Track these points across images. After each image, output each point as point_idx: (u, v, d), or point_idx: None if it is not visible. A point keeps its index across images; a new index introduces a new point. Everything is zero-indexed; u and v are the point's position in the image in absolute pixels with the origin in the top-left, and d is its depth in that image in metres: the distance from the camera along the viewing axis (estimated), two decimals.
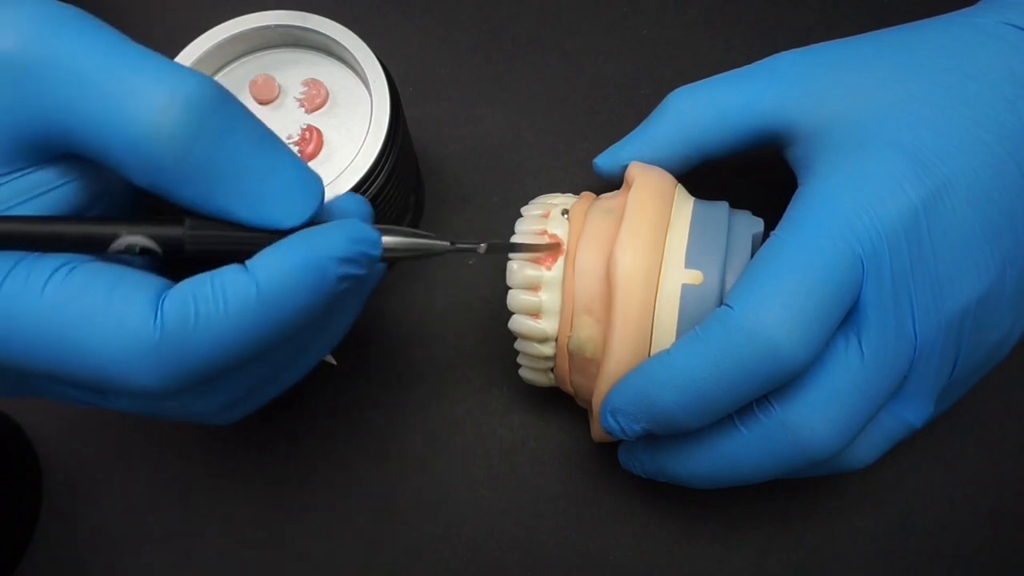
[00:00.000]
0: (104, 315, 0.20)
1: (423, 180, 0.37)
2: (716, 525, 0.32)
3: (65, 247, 0.21)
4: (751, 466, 0.26)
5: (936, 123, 0.25)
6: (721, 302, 0.25)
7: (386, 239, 0.23)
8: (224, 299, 0.20)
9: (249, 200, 0.21)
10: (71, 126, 0.20)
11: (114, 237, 0.21)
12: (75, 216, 0.22)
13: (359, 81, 0.31)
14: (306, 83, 0.30)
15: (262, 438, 0.34)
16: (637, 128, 0.30)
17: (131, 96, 0.19)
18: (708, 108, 0.29)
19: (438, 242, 0.25)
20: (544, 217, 0.28)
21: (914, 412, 0.26)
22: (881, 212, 0.24)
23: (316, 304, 0.21)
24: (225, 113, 0.20)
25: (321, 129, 0.30)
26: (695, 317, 0.25)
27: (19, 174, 0.21)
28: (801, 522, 0.32)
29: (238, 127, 0.21)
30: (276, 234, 0.21)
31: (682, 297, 0.25)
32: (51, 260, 0.20)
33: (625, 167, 0.29)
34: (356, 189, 0.28)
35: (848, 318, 0.24)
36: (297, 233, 0.21)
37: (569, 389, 0.29)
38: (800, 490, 0.32)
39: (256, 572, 0.32)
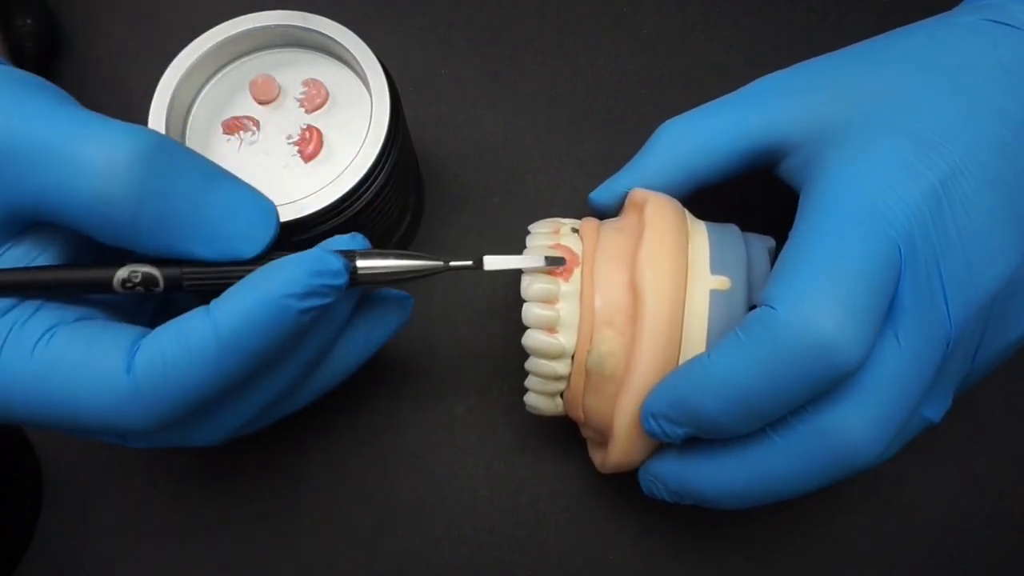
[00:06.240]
0: (85, 372, 0.22)
1: (423, 180, 0.37)
2: (716, 525, 0.32)
3: (69, 291, 0.23)
4: (785, 478, 0.24)
5: (937, 109, 0.24)
6: (750, 307, 0.25)
7: (367, 263, 0.24)
8: (188, 346, 0.22)
9: (207, 239, 0.23)
10: (33, 199, 0.22)
11: (111, 275, 0.23)
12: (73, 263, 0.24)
13: (359, 81, 0.30)
14: (306, 83, 0.30)
15: (261, 438, 0.34)
16: (630, 162, 0.30)
17: (74, 164, 0.21)
18: (697, 135, 0.28)
19: (430, 263, 0.25)
20: (555, 234, 0.28)
21: (932, 407, 0.24)
22: (903, 194, 0.23)
23: (279, 339, 0.23)
24: (166, 160, 0.22)
25: (321, 129, 0.30)
26: (725, 323, 0.25)
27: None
28: (801, 522, 0.32)
29: (182, 170, 0.23)
30: (251, 263, 0.23)
31: (711, 303, 0.25)
32: (36, 325, 0.22)
33: (621, 198, 0.29)
34: (356, 189, 0.28)
35: None
36: (257, 271, 0.23)
37: (579, 415, 0.28)
38: None
39: (255, 572, 0.32)
